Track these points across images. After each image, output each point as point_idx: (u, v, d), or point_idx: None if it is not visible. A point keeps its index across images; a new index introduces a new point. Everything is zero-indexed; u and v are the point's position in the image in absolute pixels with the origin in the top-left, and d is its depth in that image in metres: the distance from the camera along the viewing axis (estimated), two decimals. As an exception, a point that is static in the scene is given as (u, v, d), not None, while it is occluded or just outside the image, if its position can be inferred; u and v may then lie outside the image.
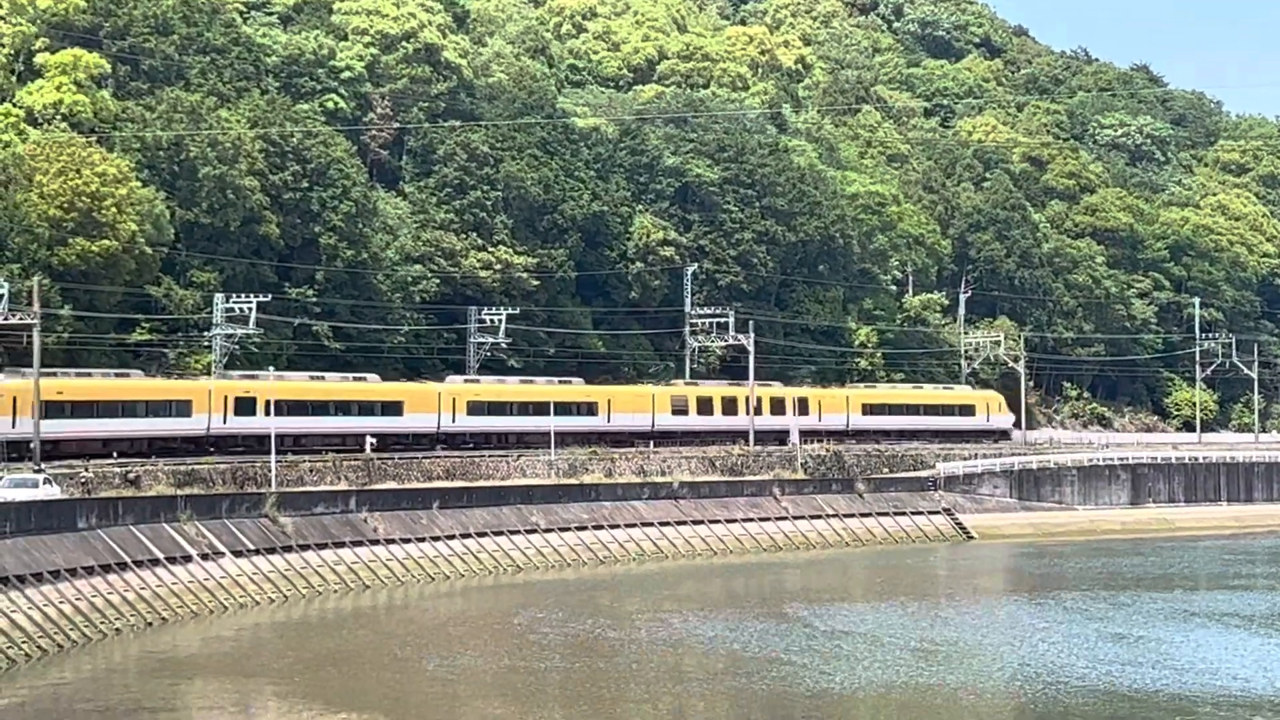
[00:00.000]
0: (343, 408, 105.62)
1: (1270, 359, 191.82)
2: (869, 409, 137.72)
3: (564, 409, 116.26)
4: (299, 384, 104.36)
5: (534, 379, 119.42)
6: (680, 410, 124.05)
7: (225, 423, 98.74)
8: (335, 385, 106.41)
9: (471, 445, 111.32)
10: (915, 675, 61.28)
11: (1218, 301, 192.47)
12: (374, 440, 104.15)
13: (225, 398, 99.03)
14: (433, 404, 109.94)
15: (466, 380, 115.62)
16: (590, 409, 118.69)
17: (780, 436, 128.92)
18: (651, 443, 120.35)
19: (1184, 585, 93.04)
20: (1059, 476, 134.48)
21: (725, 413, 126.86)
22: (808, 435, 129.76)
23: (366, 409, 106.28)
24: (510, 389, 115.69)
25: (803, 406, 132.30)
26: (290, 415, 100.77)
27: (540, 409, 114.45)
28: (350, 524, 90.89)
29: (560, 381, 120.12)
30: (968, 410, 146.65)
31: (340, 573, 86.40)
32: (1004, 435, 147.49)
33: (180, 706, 55.62)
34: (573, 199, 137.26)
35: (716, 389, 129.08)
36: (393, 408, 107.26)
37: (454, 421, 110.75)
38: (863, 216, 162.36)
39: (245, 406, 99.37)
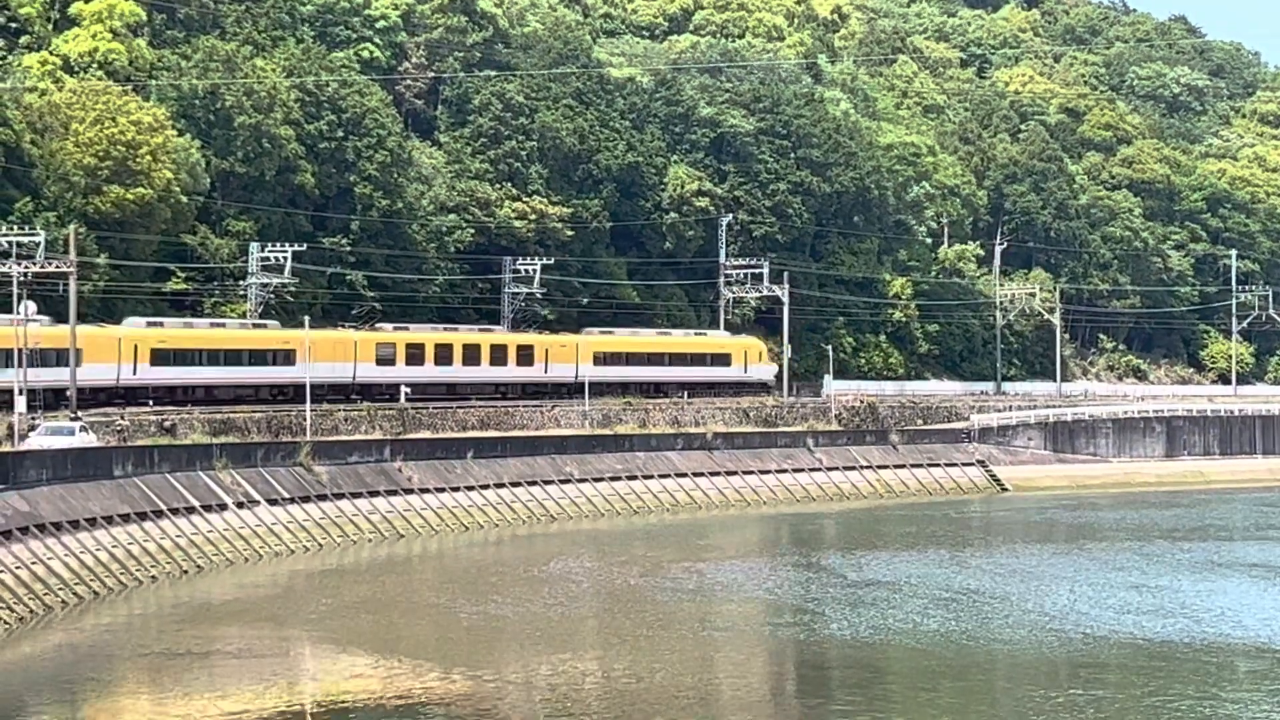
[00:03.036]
0: (5, 357, 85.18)
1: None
2: (603, 358, 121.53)
3: (259, 357, 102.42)
4: None
5: (225, 321, 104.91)
6: (386, 360, 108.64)
7: None
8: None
9: (152, 401, 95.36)
10: (932, 622, 61.53)
11: (1254, 253, 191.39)
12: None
13: None
14: (112, 352, 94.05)
15: (149, 324, 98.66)
16: (288, 358, 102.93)
17: (502, 391, 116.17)
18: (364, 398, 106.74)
19: (1216, 537, 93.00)
20: (1094, 429, 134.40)
21: (439, 362, 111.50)
22: (528, 389, 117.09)
23: (37, 358, 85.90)
24: (199, 334, 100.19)
25: (525, 355, 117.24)
26: None
27: (233, 358, 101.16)
28: (384, 473, 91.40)
29: (255, 325, 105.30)
30: (722, 360, 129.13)
31: (375, 521, 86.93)
32: (764, 388, 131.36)
33: (216, 653, 56.07)
34: (607, 149, 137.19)
35: (430, 335, 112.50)
36: (68, 356, 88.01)
37: (135, 373, 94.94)
38: (898, 167, 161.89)
39: None
